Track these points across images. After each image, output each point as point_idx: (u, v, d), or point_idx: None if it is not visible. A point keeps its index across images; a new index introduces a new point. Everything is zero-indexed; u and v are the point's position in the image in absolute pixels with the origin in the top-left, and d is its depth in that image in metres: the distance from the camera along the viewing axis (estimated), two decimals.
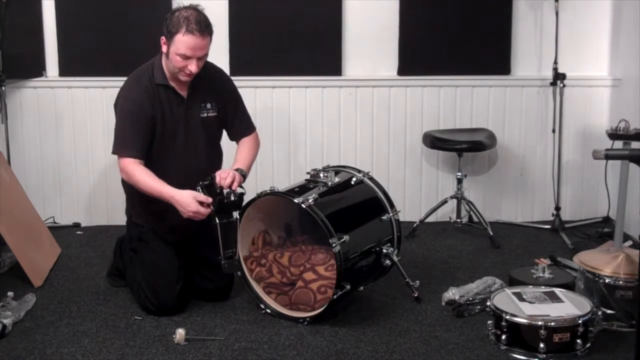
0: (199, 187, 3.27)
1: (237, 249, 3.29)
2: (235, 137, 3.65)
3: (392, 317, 3.42)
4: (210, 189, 3.27)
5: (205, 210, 3.22)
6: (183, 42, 3.27)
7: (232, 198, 3.27)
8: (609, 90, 4.80)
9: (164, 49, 3.36)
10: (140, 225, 3.55)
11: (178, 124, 3.47)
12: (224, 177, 3.30)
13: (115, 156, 3.43)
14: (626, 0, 4.59)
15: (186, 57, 3.29)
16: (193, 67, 3.31)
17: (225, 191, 3.28)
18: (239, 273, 3.52)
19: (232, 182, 3.30)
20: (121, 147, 3.39)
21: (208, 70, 3.54)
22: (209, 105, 3.53)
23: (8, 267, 3.93)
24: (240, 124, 3.65)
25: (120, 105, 3.45)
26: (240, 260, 3.36)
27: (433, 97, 4.81)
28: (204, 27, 3.29)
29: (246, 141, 3.64)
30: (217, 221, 3.22)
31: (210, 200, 3.23)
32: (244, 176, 3.42)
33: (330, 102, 4.80)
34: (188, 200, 3.23)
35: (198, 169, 3.47)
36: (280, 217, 3.68)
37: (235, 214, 3.32)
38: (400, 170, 4.87)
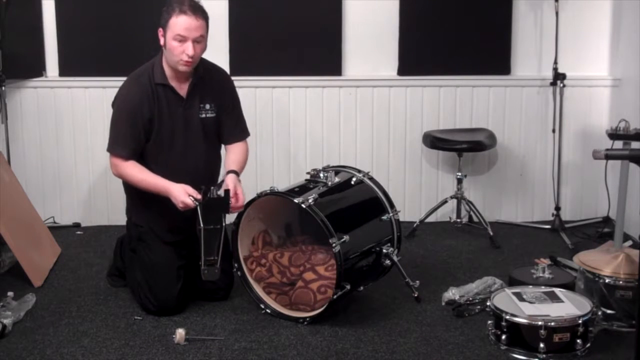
0: (202, 187, 3.28)
1: (219, 257, 3.23)
2: (228, 140, 3.64)
3: (392, 317, 3.42)
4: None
5: (190, 202, 3.23)
6: (177, 23, 3.29)
7: (217, 193, 3.26)
8: (609, 90, 4.80)
9: (162, 41, 3.37)
10: (140, 225, 3.55)
11: (177, 124, 3.47)
12: (233, 189, 3.34)
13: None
14: (626, 0, 4.59)
15: (182, 39, 3.29)
16: (189, 50, 3.30)
17: (211, 188, 3.29)
18: (239, 273, 3.53)
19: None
20: (114, 145, 3.43)
21: (209, 69, 3.54)
22: (208, 106, 3.53)
23: (8, 267, 3.93)
24: (236, 128, 3.64)
25: (117, 104, 3.47)
26: (219, 269, 3.27)
27: (433, 97, 4.81)
28: (196, 8, 3.32)
29: (237, 147, 3.63)
30: (202, 226, 3.19)
31: (199, 196, 3.24)
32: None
33: (330, 102, 4.80)
34: (180, 191, 3.27)
35: (196, 169, 3.47)
36: (280, 217, 3.68)
37: (223, 221, 3.25)
38: (400, 170, 4.87)
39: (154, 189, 3.36)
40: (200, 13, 3.33)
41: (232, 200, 3.29)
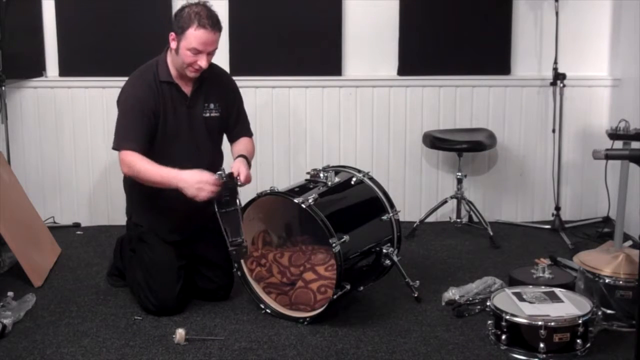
0: (220, 171, 3.29)
1: (244, 236, 3.27)
2: (234, 139, 3.66)
3: (392, 317, 3.42)
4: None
5: (212, 181, 3.22)
6: (195, 36, 3.28)
7: (224, 177, 3.28)
8: (609, 90, 4.80)
9: (173, 45, 3.36)
10: (140, 225, 3.55)
11: (181, 123, 3.46)
12: (237, 169, 3.35)
13: (116, 155, 3.42)
14: (626, 0, 4.60)
15: (197, 52, 3.31)
16: (203, 62, 3.32)
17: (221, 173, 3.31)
18: (239, 273, 3.52)
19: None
20: (121, 141, 3.37)
21: (213, 70, 3.55)
22: (212, 106, 3.53)
23: (8, 267, 3.93)
24: (242, 127, 3.66)
25: (122, 101, 3.44)
26: (247, 247, 3.35)
27: (433, 97, 4.81)
28: (215, 22, 3.32)
29: (244, 139, 3.65)
30: (217, 209, 3.25)
31: (214, 177, 3.25)
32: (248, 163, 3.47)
33: (330, 102, 4.80)
34: (194, 174, 3.25)
35: (199, 167, 3.46)
36: (280, 217, 3.68)
37: (237, 204, 3.30)
38: (400, 170, 4.87)
39: (167, 182, 3.28)
40: (218, 26, 3.34)
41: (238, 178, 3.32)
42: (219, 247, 3.44)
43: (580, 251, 3.68)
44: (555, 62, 4.58)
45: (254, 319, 3.40)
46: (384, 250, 3.51)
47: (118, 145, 3.38)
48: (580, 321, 3.00)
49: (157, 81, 3.42)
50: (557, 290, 3.28)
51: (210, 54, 3.36)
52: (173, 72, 3.44)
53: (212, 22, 3.30)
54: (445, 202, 4.66)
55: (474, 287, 3.62)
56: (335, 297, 3.24)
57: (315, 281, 3.38)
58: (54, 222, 4.74)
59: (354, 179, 3.62)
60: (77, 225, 4.78)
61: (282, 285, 3.48)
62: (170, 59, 3.43)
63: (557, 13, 4.54)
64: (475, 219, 4.64)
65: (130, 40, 4.58)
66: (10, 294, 3.52)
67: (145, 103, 3.38)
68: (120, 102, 3.46)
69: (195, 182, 3.23)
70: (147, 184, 3.35)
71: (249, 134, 3.69)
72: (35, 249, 4.02)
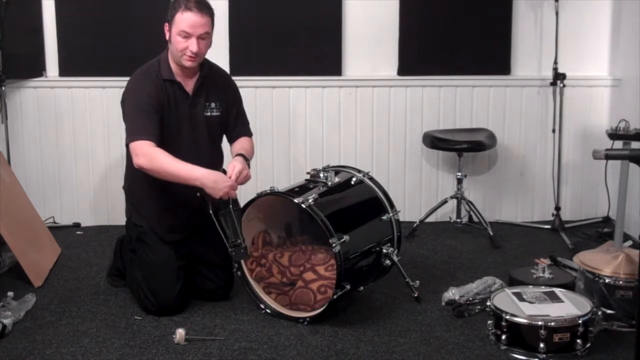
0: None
1: (242, 238, 3.30)
2: (234, 139, 3.66)
3: (392, 317, 3.42)
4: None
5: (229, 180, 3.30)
6: (182, 19, 3.30)
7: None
8: (609, 90, 4.80)
9: (167, 35, 3.38)
10: (139, 225, 3.54)
11: (182, 121, 3.46)
12: (237, 170, 3.35)
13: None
14: (626, 0, 4.60)
15: (186, 35, 3.31)
16: (194, 46, 3.32)
17: None
18: (239, 273, 3.52)
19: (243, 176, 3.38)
20: (136, 132, 3.32)
21: (213, 70, 3.56)
22: (213, 105, 3.53)
23: (8, 267, 3.93)
24: (242, 128, 3.67)
25: (130, 97, 3.41)
26: (247, 248, 3.37)
27: (433, 97, 4.81)
28: (202, 5, 3.33)
29: (243, 138, 3.65)
30: (212, 212, 3.28)
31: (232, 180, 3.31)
32: (247, 162, 3.48)
33: (330, 102, 4.80)
34: (222, 175, 3.30)
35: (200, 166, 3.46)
36: (280, 217, 3.68)
37: (236, 205, 3.35)
38: (400, 170, 4.87)
39: (187, 178, 3.29)
40: (206, 10, 3.35)
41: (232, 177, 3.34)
42: (219, 247, 3.44)
43: (580, 251, 3.67)
44: (555, 62, 4.59)
45: (254, 319, 3.40)
46: (384, 250, 3.51)
47: (133, 137, 3.32)
48: (580, 321, 3.00)
49: (160, 79, 3.42)
50: (557, 290, 3.28)
51: (202, 38, 3.34)
52: (175, 69, 3.44)
53: (198, 4, 3.32)
54: (445, 202, 4.66)
55: (474, 287, 3.62)
56: (335, 297, 3.24)
57: (315, 281, 3.38)
58: (54, 222, 4.73)
59: (354, 179, 3.62)
60: (77, 225, 4.78)
61: (282, 285, 3.48)
62: (170, 55, 3.43)
63: (557, 13, 4.55)
64: (475, 219, 4.65)
65: (130, 40, 4.58)
66: (10, 294, 3.52)
67: (154, 98, 3.37)
68: (128, 98, 3.42)
69: (226, 185, 3.26)
70: (164, 178, 3.30)
71: (248, 133, 3.69)
72: (35, 249, 4.02)
